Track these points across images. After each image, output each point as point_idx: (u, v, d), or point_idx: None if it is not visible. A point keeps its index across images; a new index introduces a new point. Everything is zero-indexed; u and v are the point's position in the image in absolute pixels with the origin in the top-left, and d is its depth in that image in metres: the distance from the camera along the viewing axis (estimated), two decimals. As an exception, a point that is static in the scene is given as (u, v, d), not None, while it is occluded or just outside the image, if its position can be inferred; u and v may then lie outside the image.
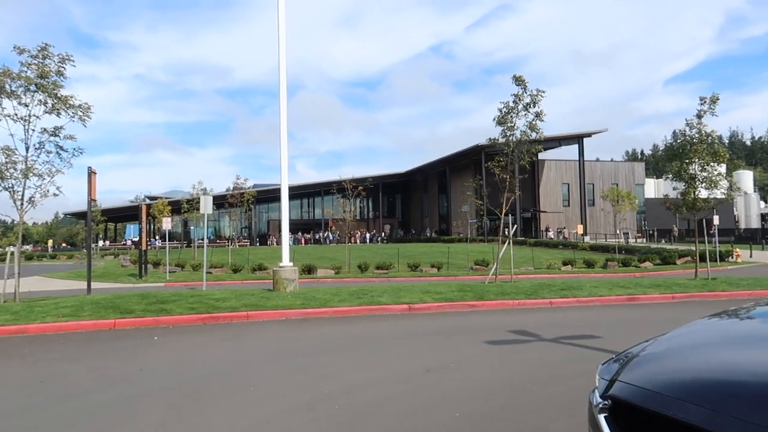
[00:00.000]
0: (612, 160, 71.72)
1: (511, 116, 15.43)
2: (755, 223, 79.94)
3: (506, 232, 18.98)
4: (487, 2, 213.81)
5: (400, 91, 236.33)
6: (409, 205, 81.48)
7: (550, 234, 55.98)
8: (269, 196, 58.91)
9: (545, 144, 60.11)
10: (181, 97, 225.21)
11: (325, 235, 67.55)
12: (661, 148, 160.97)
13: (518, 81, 15.28)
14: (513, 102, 15.41)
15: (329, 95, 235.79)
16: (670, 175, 17.97)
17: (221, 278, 22.79)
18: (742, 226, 70.77)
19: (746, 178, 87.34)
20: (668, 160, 17.38)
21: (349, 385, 5.95)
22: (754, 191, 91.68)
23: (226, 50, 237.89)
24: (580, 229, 44.45)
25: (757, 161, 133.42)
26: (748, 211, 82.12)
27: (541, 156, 64.14)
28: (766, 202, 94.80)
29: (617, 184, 55.96)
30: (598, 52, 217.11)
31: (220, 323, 10.45)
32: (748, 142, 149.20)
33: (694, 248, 31.41)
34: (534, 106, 15.21)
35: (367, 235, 70.02)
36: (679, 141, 16.81)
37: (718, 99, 16.27)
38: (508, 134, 15.57)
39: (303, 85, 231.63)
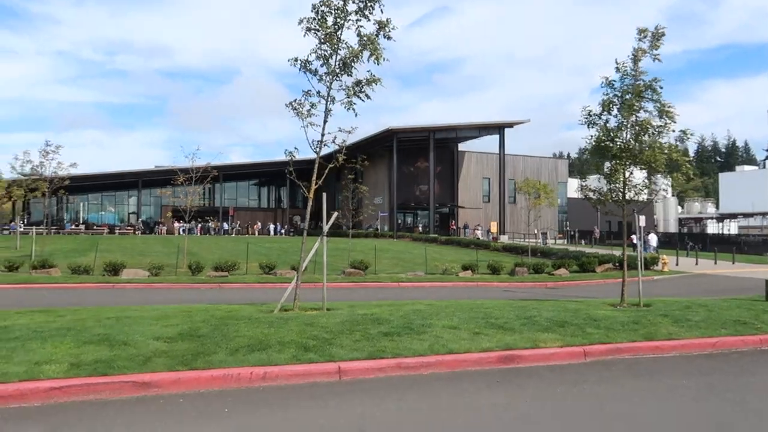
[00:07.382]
0: (537, 157, 67.37)
1: (337, 21, 8.93)
2: (673, 228, 78.68)
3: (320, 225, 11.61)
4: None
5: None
6: (320, 195, 74.75)
7: (478, 233, 49.36)
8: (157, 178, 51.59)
9: (462, 132, 54.90)
10: (110, 76, 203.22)
11: (221, 225, 59.34)
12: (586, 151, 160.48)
13: None
14: None
15: (269, 81, 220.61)
16: (588, 149, 12.03)
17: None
18: (661, 230, 68.80)
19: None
20: (589, 125, 11.49)
21: None
22: (673, 195, 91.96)
23: (159, 30, 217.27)
24: (493, 227, 39.38)
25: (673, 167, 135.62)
26: (667, 215, 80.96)
27: (461, 147, 58.90)
28: (682, 207, 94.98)
29: (539, 181, 51.54)
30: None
31: None
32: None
33: (616, 253, 26.96)
34: (372, 10, 8.84)
35: (271, 227, 62.68)
36: (606, 96, 11.05)
37: (663, 34, 10.72)
38: (326, 52, 9.05)
39: (238, 71, 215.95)
